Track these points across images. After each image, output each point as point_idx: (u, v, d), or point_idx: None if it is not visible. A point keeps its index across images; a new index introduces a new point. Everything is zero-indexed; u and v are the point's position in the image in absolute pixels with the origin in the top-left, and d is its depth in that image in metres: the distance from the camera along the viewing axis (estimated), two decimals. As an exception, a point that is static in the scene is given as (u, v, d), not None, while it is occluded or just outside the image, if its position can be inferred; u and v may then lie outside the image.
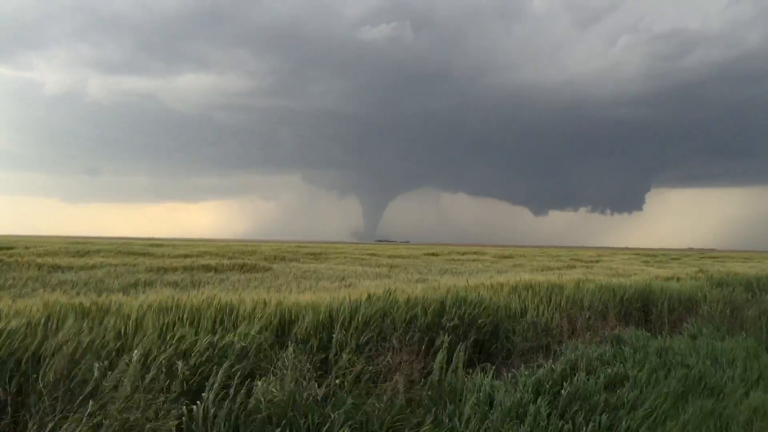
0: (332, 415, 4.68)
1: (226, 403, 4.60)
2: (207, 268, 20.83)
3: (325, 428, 4.63)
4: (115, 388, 4.46)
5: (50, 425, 4.13)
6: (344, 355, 6.04)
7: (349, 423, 4.71)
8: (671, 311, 11.93)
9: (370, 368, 5.89)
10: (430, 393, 5.63)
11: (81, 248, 31.05)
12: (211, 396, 4.54)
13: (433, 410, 5.26)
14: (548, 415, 5.34)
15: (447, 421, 5.13)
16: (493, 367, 7.05)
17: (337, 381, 5.53)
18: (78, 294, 11.51)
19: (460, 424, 5.09)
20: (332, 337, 6.48)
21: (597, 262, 35.57)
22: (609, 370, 6.81)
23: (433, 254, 42.70)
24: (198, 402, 4.55)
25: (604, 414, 5.48)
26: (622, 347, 8.24)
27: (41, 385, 4.41)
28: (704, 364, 7.57)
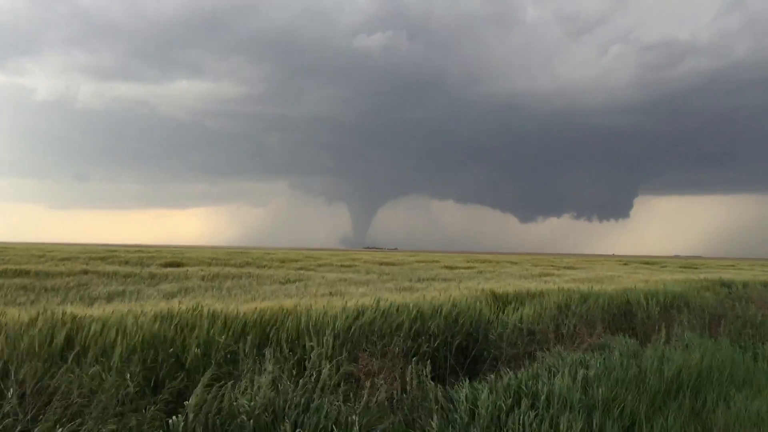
0: (310, 420, 4.69)
1: (203, 408, 4.59)
2: (193, 276, 20.73)
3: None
4: (93, 395, 4.45)
5: (18, 428, 4.12)
6: (323, 361, 6.04)
7: (327, 427, 4.73)
8: (656, 318, 12.02)
9: (350, 373, 5.89)
10: (409, 399, 5.64)
11: (67, 255, 30.75)
12: (193, 402, 4.53)
13: (412, 416, 5.28)
14: (526, 420, 5.37)
15: (426, 428, 5.14)
16: (479, 375, 7.05)
17: (315, 385, 5.53)
18: (63, 302, 11.41)
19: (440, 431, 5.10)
20: (311, 344, 6.46)
21: (584, 268, 35.80)
22: (585, 372, 6.84)
23: (421, 261, 42.75)
24: (179, 409, 4.55)
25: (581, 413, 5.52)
26: (605, 353, 8.30)
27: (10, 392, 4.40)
28: (686, 369, 7.65)
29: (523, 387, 6.10)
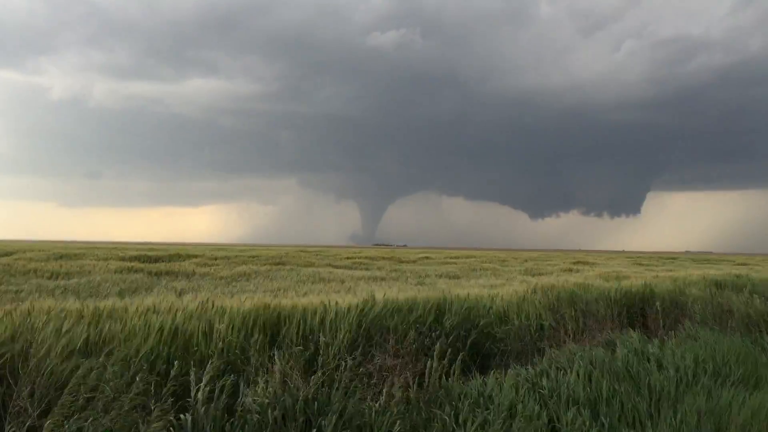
0: (323, 420, 4.67)
1: (212, 406, 4.59)
2: (205, 274, 20.84)
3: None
4: (97, 389, 4.48)
5: (28, 423, 4.15)
6: (336, 358, 6.03)
7: (343, 427, 4.72)
8: (667, 313, 11.94)
9: (363, 371, 5.88)
10: (425, 396, 5.63)
11: (78, 253, 30.96)
12: (200, 398, 4.53)
13: (430, 412, 5.29)
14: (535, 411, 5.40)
15: (446, 424, 5.14)
16: (490, 371, 7.06)
17: (329, 382, 5.52)
18: (75, 299, 11.50)
19: (457, 426, 5.10)
20: (322, 340, 6.46)
21: (594, 264, 35.65)
22: (588, 367, 6.82)
23: (430, 258, 42.71)
24: (185, 405, 4.55)
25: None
26: (615, 348, 8.26)
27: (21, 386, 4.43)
28: (698, 365, 7.59)
29: (530, 381, 6.14)
